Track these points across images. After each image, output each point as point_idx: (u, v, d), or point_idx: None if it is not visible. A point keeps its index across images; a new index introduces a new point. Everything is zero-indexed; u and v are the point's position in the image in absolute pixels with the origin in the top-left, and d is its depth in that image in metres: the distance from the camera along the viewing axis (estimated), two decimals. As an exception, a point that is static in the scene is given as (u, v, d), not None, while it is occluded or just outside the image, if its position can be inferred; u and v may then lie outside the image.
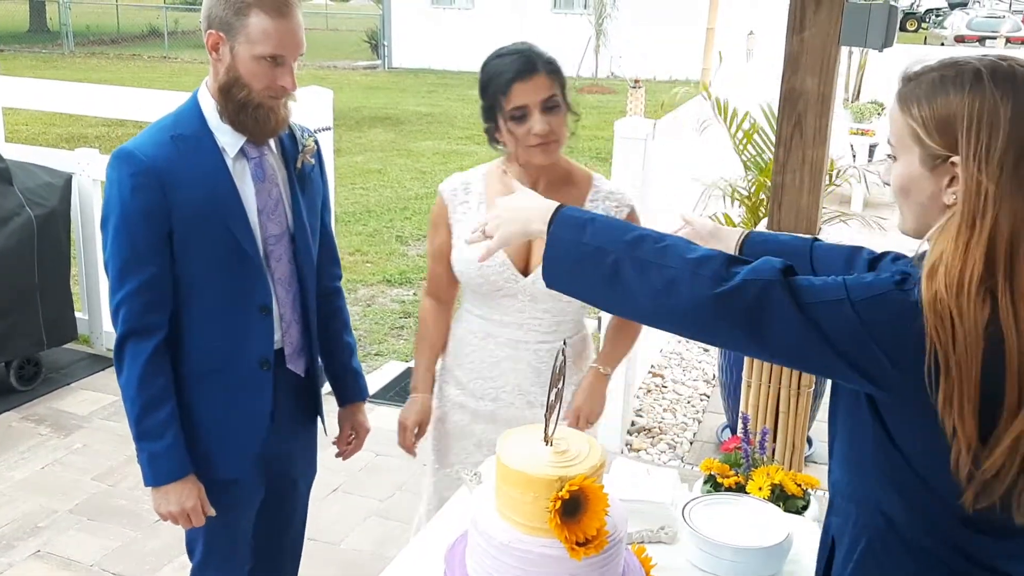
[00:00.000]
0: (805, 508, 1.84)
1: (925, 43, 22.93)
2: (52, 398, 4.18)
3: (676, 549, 1.69)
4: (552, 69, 1.96)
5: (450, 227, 2.10)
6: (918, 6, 29.84)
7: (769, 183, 3.23)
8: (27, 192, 4.03)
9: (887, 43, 2.85)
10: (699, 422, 4.23)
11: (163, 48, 22.52)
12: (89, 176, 4.40)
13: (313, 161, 2.01)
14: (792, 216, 2.86)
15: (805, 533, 1.72)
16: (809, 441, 3.75)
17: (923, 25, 28.54)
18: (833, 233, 4.09)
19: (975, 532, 1.19)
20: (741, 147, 4.23)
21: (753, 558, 1.60)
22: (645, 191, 3.62)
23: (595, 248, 1.28)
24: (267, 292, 1.91)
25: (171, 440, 1.85)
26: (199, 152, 1.82)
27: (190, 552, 2.10)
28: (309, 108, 3.90)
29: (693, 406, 4.37)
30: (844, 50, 3.64)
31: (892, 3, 2.78)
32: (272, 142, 1.92)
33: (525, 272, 2.05)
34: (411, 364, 3.15)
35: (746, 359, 3.17)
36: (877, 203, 7.80)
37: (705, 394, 4.50)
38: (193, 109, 1.86)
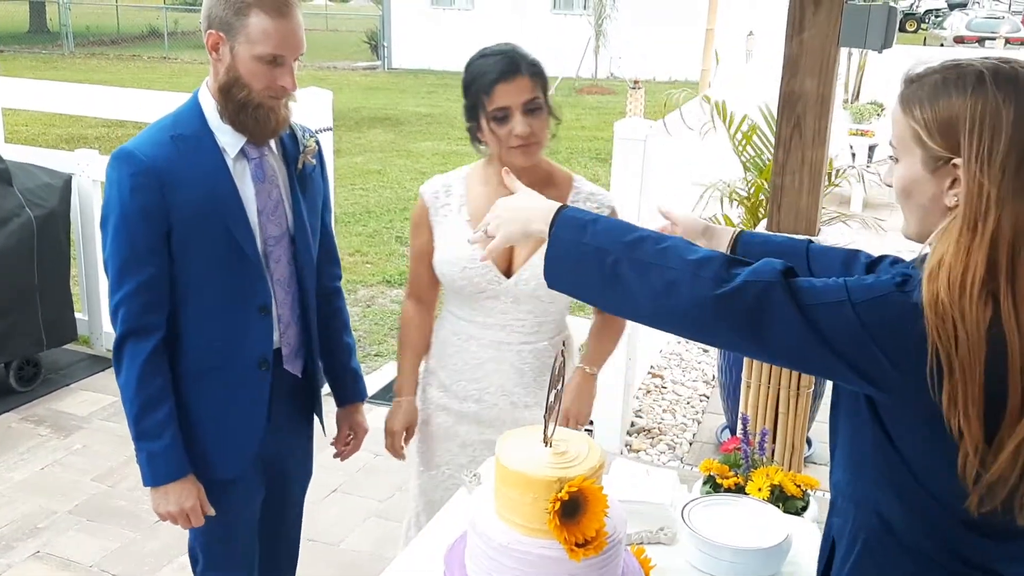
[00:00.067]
0: (804, 509, 1.84)
1: (924, 44, 22.94)
2: (52, 399, 4.18)
3: (675, 550, 1.69)
4: (535, 71, 1.96)
5: (431, 229, 2.10)
6: (917, 7, 29.87)
7: (768, 185, 3.23)
8: (27, 193, 4.03)
9: (886, 44, 2.86)
10: (698, 423, 4.23)
11: (163, 49, 22.52)
12: (89, 177, 4.40)
13: (314, 162, 2.00)
14: (792, 217, 2.86)
15: (804, 534, 1.72)
16: (808, 442, 3.75)
17: (922, 26, 28.55)
18: (833, 234, 4.10)
19: (975, 535, 1.19)
20: (740, 148, 4.23)
21: (752, 559, 1.60)
22: (644, 192, 3.62)
23: (595, 249, 1.28)
24: (266, 293, 1.91)
25: (169, 440, 1.85)
26: (199, 152, 1.82)
27: (193, 559, 2.10)
28: (309, 109, 3.90)
29: (692, 407, 4.38)
30: (843, 51, 3.64)
31: (891, 4, 2.78)
32: (273, 142, 1.92)
33: (508, 274, 2.05)
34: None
35: (745, 360, 3.18)
36: (876, 204, 7.81)
37: (705, 395, 4.50)
38: (193, 109, 1.85)
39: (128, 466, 3.53)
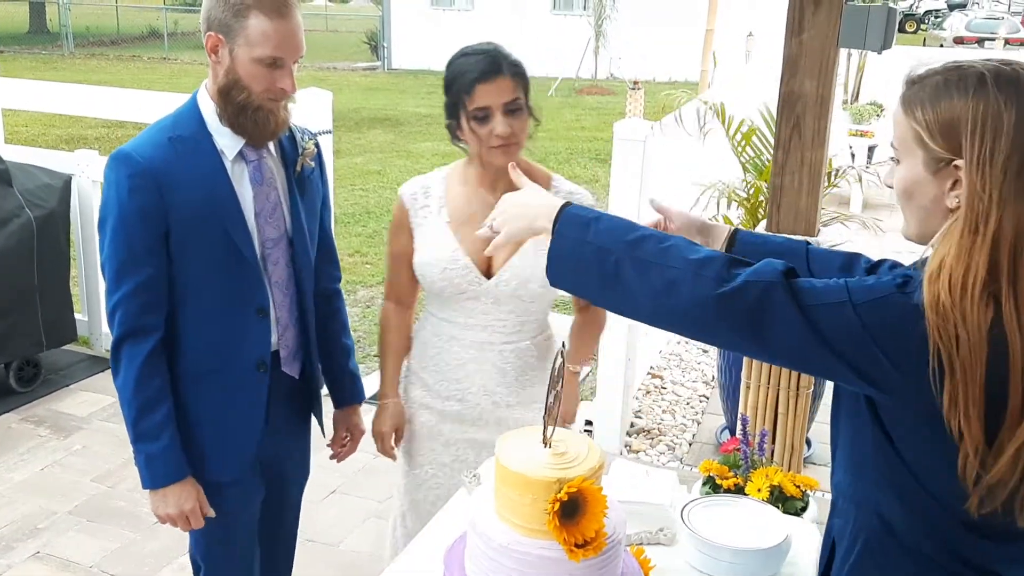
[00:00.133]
0: (804, 510, 1.84)
1: (924, 45, 22.97)
2: (51, 399, 4.18)
3: (675, 551, 1.69)
4: (517, 72, 1.96)
5: (411, 231, 2.10)
6: (917, 8, 29.87)
7: (767, 186, 3.23)
8: (27, 193, 4.03)
9: (886, 45, 2.86)
10: (698, 423, 4.23)
11: (163, 49, 22.51)
12: (88, 177, 4.40)
13: (313, 164, 2.00)
14: (791, 217, 2.87)
15: (804, 535, 1.72)
16: (808, 442, 3.75)
17: (922, 27, 28.56)
18: (832, 234, 4.10)
19: (976, 536, 1.19)
20: (740, 149, 4.23)
21: (752, 559, 1.60)
22: (644, 193, 3.62)
23: (597, 247, 1.28)
24: (264, 295, 1.91)
25: (168, 442, 1.84)
26: (197, 154, 1.81)
27: (195, 568, 2.10)
28: (309, 110, 3.91)
29: (692, 407, 4.38)
30: (843, 52, 3.65)
31: (891, 5, 2.78)
32: (271, 145, 1.91)
33: (487, 274, 2.05)
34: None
35: (745, 361, 3.18)
36: (876, 204, 7.81)
37: (704, 395, 4.51)
38: (192, 111, 1.85)
39: (128, 467, 3.53)
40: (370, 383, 2.34)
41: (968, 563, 1.21)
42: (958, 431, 1.12)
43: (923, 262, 1.19)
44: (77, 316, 4.41)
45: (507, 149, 1.97)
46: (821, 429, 3.76)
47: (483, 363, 2.11)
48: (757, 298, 1.17)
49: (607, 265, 1.27)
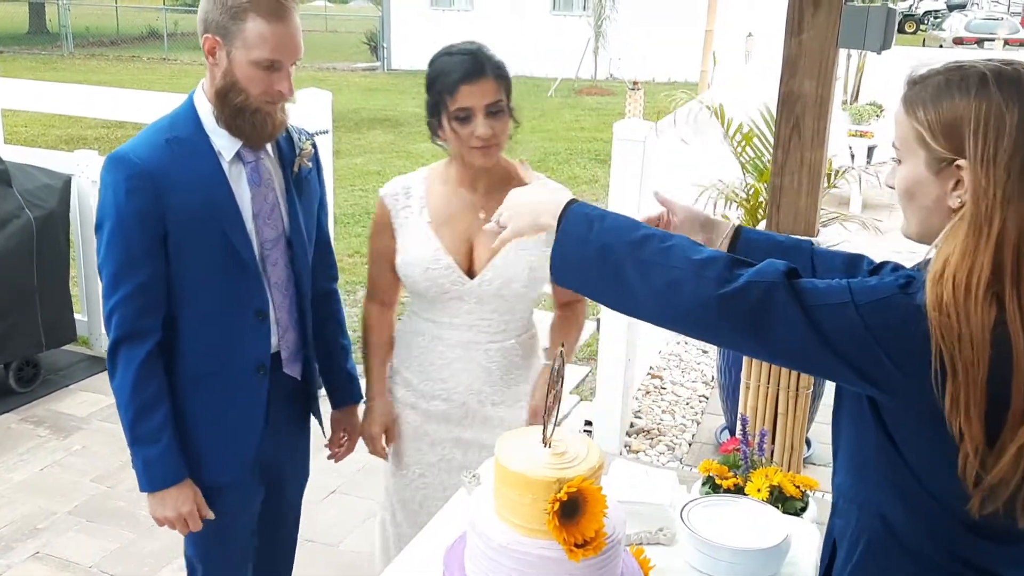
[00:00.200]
0: (803, 510, 1.84)
1: (923, 45, 22.97)
2: (51, 400, 4.18)
3: (674, 551, 1.69)
4: (500, 74, 1.97)
5: (394, 231, 2.11)
6: (916, 8, 29.87)
7: (767, 187, 3.23)
8: (26, 194, 4.03)
9: (885, 45, 2.86)
10: (698, 424, 4.23)
11: (162, 50, 22.50)
12: (88, 178, 4.40)
13: (310, 165, 1.99)
14: (791, 218, 2.87)
15: (803, 535, 1.72)
16: (808, 443, 3.75)
17: (921, 27, 28.56)
18: (831, 235, 4.10)
19: (977, 537, 1.19)
20: (739, 150, 4.23)
21: (751, 560, 1.60)
22: (644, 193, 3.62)
23: (600, 246, 1.28)
24: (263, 297, 1.90)
25: (166, 445, 1.84)
26: (195, 156, 1.81)
27: (191, 570, 2.09)
28: (308, 110, 3.91)
29: (692, 408, 4.38)
30: (842, 52, 3.65)
31: (890, 5, 2.78)
32: (269, 146, 1.91)
33: (471, 274, 2.06)
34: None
35: (745, 361, 3.18)
36: (875, 205, 7.81)
37: (704, 396, 4.51)
38: (189, 112, 1.84)
39: (128, 467, 3.52)
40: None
41: (969, 564, 1.21)
42: (959, 431, 1.12)
43: (926, 263, 1.19)
44: (77, 316, 4.42)
45: (487, 150, 1.98)
46: (821, 429, 3.76)
47: (469, 362, 2.11)
48: (759, 298, 1.17)
49: (609, 264, 1.27)
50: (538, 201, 1.40)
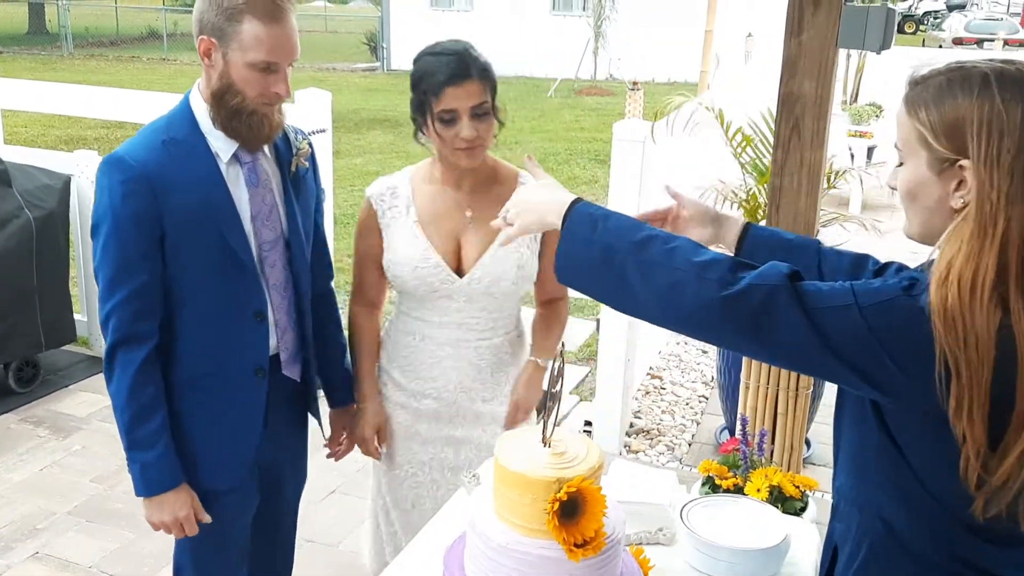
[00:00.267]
0: (803, 510, 1.84)
1: (923, 46, 22.98)
2: (51, 400, 4.18)
3: (674, 550, 1.69)
4: (485, 75, 1.96)
5: (380, 232, 2.11)
6: (916, 9, 29.87)
7: (766, 188, 3.23)
8: (26, 194, 4.03)
9: (885, 45, 2.86)
10: (697, 424, 4.23)
11: (162, 50, 22.49)
12: (88, 178, 4.39)
13: (307, 164, 1.99)
14: (790, 218, 2.86)
15: (803, 535, 1.73)
16: (807, 443, 3.75)
17: (921, 28, 28.56)
18: (831, 235, 4.10)
19: (980, 540, 1.19)
20: (739, 151, 4.23)
21: (751, 559, 1.60)
22: (643, 194, 3.62)
23: (604, 246, 1.28)
24: (262, 298, 1.89)
25: (163, 450, 1.82)
26: (192, 157, 1.79)
27: (177, 571, 2.07)
28: (308, 110, 3.91)
29: (692, 408, 4.38)
30: (842, 52, 3.65)
31: (889, 6, 2.78)
32: (266, 146, 1.89)
33: (459, 272, 2.06)
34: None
35: (744, 361, 3.18)
36: (875, 205, 7.81)
37: (704, 396, 4.51)
38: (184, 113, 1.82)
39: (127, 468, 3.53)
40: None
41: (972, 567, 1.21)
42: (962, 434, 1.11)
43: (930, 263, 1.18)
44: (76, 316, 4.41)
45: (471, 152, 1.98)
46: (820, 429, 3.76)
47: (459, 360, 2.12)
48: (761, 301, 1.17)
49: (612, 265, 1.27)
50: (545, 200, 1.40)
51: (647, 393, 4.51)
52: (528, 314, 2.26)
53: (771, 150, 3.06)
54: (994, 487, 1.13)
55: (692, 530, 1.64)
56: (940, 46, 22.48)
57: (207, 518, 1.91)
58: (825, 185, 3.50)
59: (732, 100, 4.78)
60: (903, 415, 1.18)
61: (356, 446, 2.29)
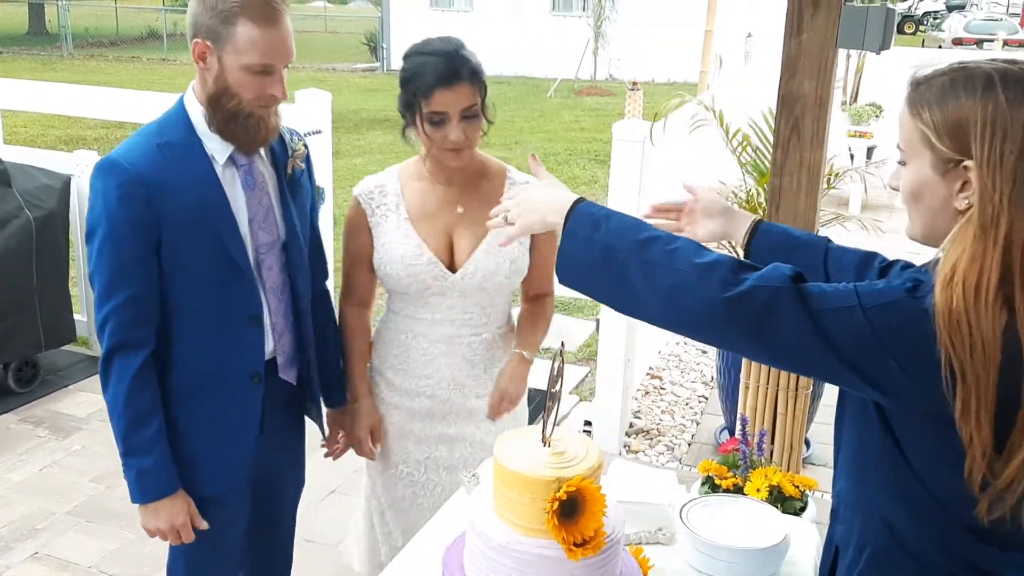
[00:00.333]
0: (803, 510, 1.84)
1: (923, 46, 22.99)
2: (50, 400, 4.18)
3: (674, 550, 1.69)
4: (475, 78, 1.96)
5: (371, 230, 2.10)
6: (915, 9, 29.88)
7: (766, 188, 3.23)
8: (26, 194, 4.03)
9: (884, 46, 2.86)
10: (697, 424, 4.23)
11: (162, 50, 22.50)
12: (87, 178, 4.39)
13: (303, 166, 1.97)
14: (790, 218, 2.86)
15: (802, 535, 1.73)
16: (807, 443, 3.75)
17: (920, 28, 28.57)
18: (831, 236, 4.09)
19: (983, 543, 1.19)
20: (739, 151, 4.23)
21: (750, 559, 1.60)
22: (643, 194, 3.62)
23: (605, 247, 1.28)
24: (257, 303, 1.88)
25: (159, 456, 1.81)
26: (188, 160, 1.77)
27: (171, 573, 2.06)
28: (307, 110, 3.92)
29: (691, 408, 4.38)
30: (842, 53, 3.65)
31: (889, 6, 2.78)
32: (261, 148, 1.88)
33: (452, 268, 2.06)
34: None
35: (744, 361, 3.18)
36: (875, 205, 7.81)
37: (703, 396, 4.51)
38: (179, 115, 1.80)
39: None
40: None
41: (974, 569, 1.21)
42: (968, 436, 1.11)
43: (935, 263, 1.17)
44: (76, 317, 4.42)
45: (459, 153, 1.99)
46: (820, 430, 3.76)
47: (453, 356, 2.12)
48: (764, 303, 1.17)
49: (614, 266, 1.27)
50: (546, 200, 1.40)
51: (647, 393, 4.51)
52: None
53: (771, 150, 3.06)
54: (999, 489, 1.13)
55: (692, 530, 1.64)
56: (940, 46, 22.49)
57: (204, 525, 1.89)
58: (825, 185, 3.50)
59: (732, 100, 4.78)
60: (904, 416, 1.18)
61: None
